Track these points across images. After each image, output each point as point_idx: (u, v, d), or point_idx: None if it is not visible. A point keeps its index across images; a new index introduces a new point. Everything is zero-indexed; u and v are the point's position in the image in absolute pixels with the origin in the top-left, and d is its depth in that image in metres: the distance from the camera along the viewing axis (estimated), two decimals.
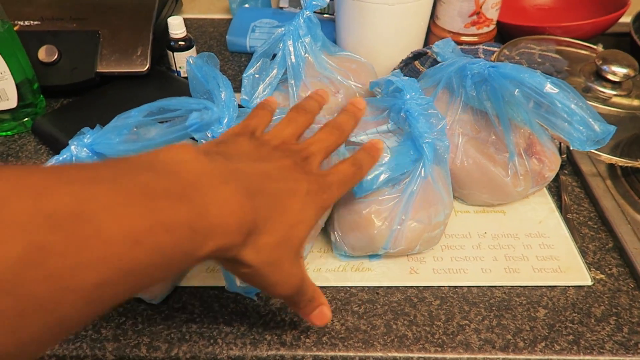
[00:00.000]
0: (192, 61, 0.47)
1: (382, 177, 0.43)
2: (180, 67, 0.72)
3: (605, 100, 0.60)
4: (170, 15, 0.72)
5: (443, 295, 0.46)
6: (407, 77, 0.50)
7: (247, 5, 0.89)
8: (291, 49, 0.59)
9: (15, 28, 0.67)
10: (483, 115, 0.53)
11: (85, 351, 0.42)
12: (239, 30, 0.82)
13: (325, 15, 0.84)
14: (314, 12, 0.60)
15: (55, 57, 0.67)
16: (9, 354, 0.18)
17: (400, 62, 0.68)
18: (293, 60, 0.59)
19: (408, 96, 0.48)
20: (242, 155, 0.33)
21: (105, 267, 0.20)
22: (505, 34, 0.77)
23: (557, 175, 0.57)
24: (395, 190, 0.46)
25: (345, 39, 0.71)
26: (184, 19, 0.70)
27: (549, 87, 0.45)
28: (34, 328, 0.19)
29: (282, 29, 0.59)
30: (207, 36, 0.87)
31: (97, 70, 0.68)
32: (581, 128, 0.44)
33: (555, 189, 0.57)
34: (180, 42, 0.70)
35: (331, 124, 0.39)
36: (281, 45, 0.59)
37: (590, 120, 0.44)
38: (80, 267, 0.20)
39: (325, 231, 0.50)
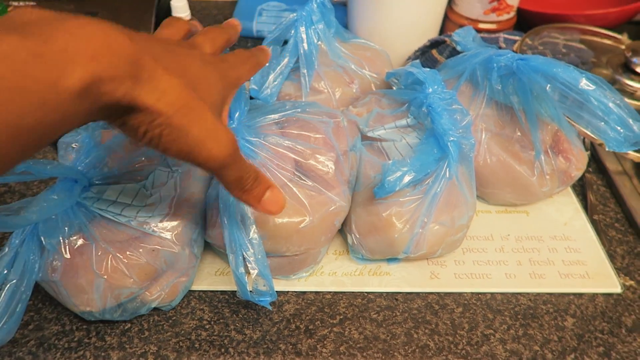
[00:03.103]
0: None
1: (407, 178, 0.40)
2: None
3: (632, 94, 0.57)
4: None
5: (465, 302, 0.44)
6: (428, 69, 0.47)
7: None
8: (303, 36, 0.55)
9: (9, 9, 0.63)
10: (508, 110, 0.50)
11: None
12: (245, 13, 0.78)
13: None
14: None
15: None
16: None
17: (417, 51, 0.65)
18: (305, 48, 0.55)
19: (430, 90, 0.46)
20: None
21: None
22: (524, 21, 0.74)
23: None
24: (417, 191, 0.43)
25: (358, 24, 0.67)
26: (187, 1, 0.66)
27: (585, 83, 0.42)
28: None
29: (294, 14, 0.56)
30: (211, 19, 0.83)
31: None
32: (618, 128, 0.41)
33: (580, 188, 0.55)
34: None
35: (212, 26, 0.38)
36: (293, 31, 0.56)
37: (629, 119, 0.41)
38: None
39: (341, 232, 0.48)
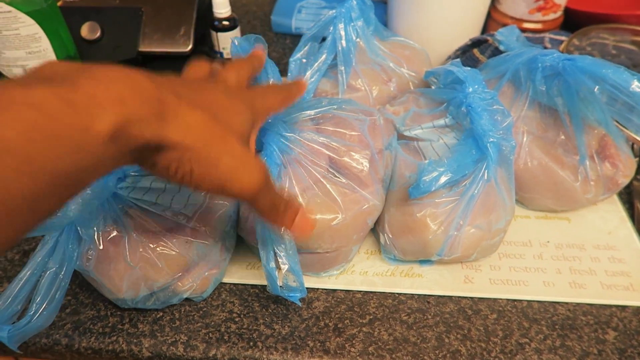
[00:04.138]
0: (238, 42, 0.44)
1: (443, 178, 0.39)
2: (223, 48, 0.69)
3: None
4: None
5: (500, 308, 0.43)
6: (468, 68, 0.46)
7: None
8: (342, 32, 0.55)
9: (59, 3, 0.66)
10: (551, 112, 0.48)
11: (122, 346, 0.40)
12: (284, 10, 0.78)
13: None
14: None
15: (98, 34, 0.65)
16: None
17: (457, 50, 0.64)
18: (344, 45, 0.55)
19: (470, 89, 0.44)
20: None
21: None
22: (571, 21, 0.71)
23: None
24: (454, 192, 0.42)
25: (397, 22, 0.66)
26: None
27: (636, 86, 0.40)
28: None
29: (333, 10, 0.55)
30: (250, 15, 0.84)
31: (140, 49, 0.66)
32: None
33: (627, 196, 0.52)
34: (224, 22, 0.67)
35: (236, 58, 0.40)
36: (331, 28, 0.55)
37: None
38: None
39: (374, 232, 0.47)
